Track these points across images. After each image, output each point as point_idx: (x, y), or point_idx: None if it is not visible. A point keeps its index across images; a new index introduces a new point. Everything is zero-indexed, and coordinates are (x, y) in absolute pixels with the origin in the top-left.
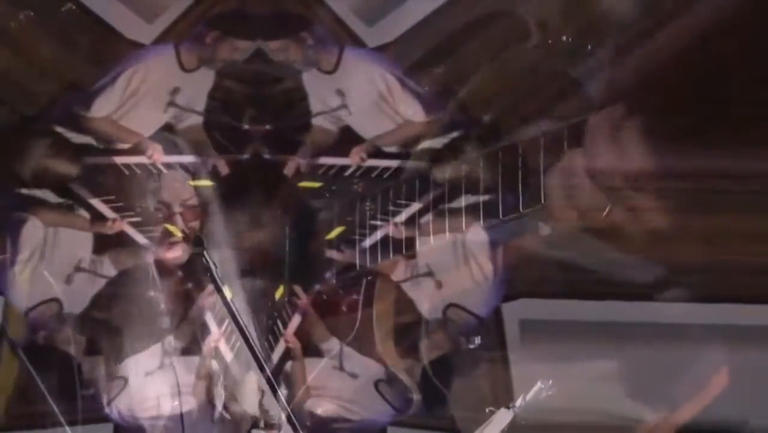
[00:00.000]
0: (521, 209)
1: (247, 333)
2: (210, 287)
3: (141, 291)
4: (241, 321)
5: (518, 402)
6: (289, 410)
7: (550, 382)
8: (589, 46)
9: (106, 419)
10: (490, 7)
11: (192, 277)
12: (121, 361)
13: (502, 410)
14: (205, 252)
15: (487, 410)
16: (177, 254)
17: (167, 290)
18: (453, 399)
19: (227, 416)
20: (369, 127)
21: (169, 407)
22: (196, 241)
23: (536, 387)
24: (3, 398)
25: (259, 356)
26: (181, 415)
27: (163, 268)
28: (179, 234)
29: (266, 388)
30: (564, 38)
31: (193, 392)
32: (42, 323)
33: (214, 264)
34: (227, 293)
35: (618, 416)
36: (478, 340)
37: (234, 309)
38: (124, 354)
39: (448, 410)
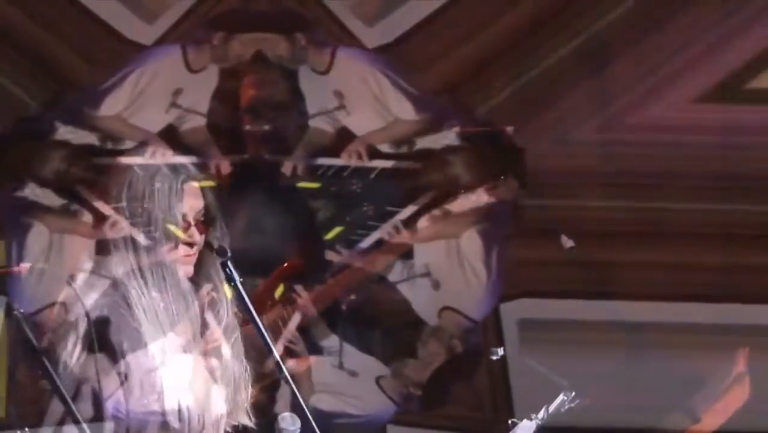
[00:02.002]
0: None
1: (269, 340)
2: (208, 286)
3: (143, 291)
4: (262, 327)
5: (541, 413)
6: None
7: (573, 393)
8: None
9: (106, 418)
10: None
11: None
12: (122, 359)
13: (525, 421)
14: (229, 262)
15: (509, 422)
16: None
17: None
18: (452, 399)
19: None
20: (363, 126)
21: (169, 404)
22: (220, 250)
23: (559, 399)
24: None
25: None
26: (180, 412)
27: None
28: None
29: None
30: None
31: (192, 390)
32: (47, 325)
33: (238, 273)
34: (248, 299)
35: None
36: (501, 351)
37: (256, 317)
38: (125, 352)
39: (448, 410)
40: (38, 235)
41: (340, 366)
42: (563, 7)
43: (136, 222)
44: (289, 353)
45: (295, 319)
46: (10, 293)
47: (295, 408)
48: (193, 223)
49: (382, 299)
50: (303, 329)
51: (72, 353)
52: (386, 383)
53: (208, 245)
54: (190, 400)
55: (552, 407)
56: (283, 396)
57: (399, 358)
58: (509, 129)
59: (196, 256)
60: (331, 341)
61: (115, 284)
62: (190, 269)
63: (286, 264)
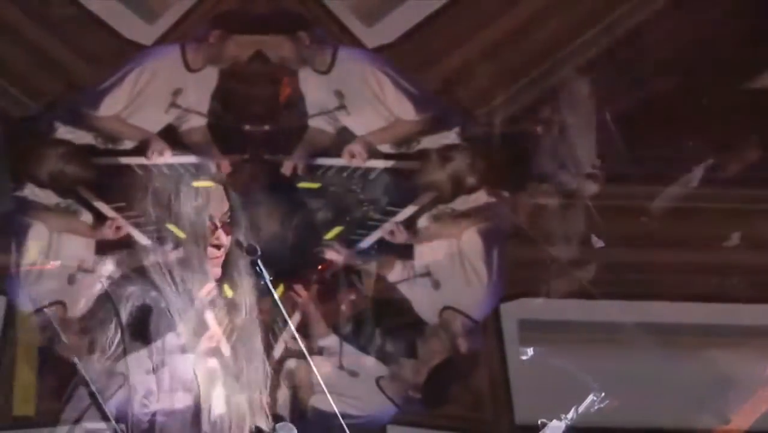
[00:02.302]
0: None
1: (300, 341)
2: (211, 285)
3: (143, 291)
4: (293, 327)
5: (570, 414)
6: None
7: (603, 394)
8: None
9: (106, 418)
10: None
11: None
12: (123, 359)
13: (555, 421)
14: (259, 260)
15: (539, 422)
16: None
17: (168, 289)
18: (452, 399)
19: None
20: (363, 126)
21: (169, 404)
22: (250, 249)
23: (589, 399)
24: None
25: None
26: (210, 413)
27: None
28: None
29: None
30: None
31: (192, 389)
32: (47, 324)
33: (267, 271)
34: (278, 298)
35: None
36: (530, 351)
37: (287, 316)
38: (126, 352)
39: (448, 410)
40: (37, 234)
41: (340, 366)
42: (563, 7)
43: (162, 225)
44: (289, 352)
45: (295, 319)
46: (10, 292)
47: (295, 410)
48: (219, 225)
49: (382, 299)
50: (303, 329)
51: (110, 347)
52: (386, 383)
53: (237, 243)
54: (217, 401)
55: (582, 408)
56: (283, 396)
57: (399, 358)
58: (539, 129)
59: (223, 257)
60: (331, 341)
61: (151, 282)
62: (218, 271)
63: (319, 267)
